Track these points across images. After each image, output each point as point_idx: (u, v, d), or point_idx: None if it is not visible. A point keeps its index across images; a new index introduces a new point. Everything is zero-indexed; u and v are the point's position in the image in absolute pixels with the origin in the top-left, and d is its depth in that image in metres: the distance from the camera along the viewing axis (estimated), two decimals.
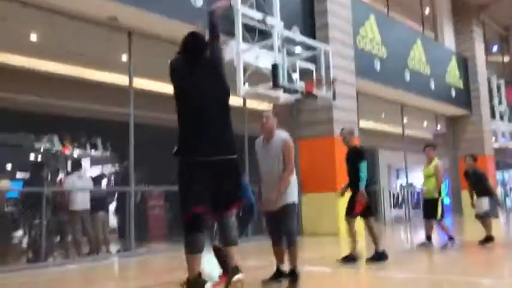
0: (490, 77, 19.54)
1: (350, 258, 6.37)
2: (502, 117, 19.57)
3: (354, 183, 6.61)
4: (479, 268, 6.17)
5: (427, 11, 18.15)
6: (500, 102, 19.64)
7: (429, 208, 7.86)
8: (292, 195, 4.74)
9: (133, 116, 8.40)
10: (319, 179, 11.09)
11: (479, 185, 8.34)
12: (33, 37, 8.72)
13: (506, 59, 24.31)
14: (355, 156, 6.60)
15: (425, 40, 16.34)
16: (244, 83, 9.12)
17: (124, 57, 9.14)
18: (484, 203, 8.21)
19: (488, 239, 7.97)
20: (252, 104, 11.65)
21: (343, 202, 10.77)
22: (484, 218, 8.13)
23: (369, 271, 6.20)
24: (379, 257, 6.40)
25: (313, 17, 11.48)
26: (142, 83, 9.57)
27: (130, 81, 8.50)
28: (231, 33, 9.08)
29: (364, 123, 14.51)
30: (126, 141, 8.35)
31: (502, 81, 20.05)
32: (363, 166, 6.41)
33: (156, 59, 10.16)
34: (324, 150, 11.13)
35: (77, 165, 8.86)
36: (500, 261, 6.88)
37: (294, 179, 4.81)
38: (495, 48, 23.63)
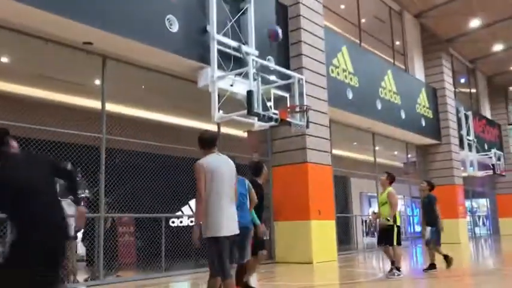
0: (458, 108, 20.15)
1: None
2: (470, 147, 20.11)
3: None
4: None
5: (397, 43, 18.73)
6: (468, 133, 20.21)
7: (383, 235, 7.82)
8: (206, 228, 4.25)
9: (105, 141, 8.28)
10: (292, 206, 11.08)
11: (428, 212, 8.52)
12: (4, 59, 8.59)
13: (473, 91, 25.17)
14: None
15: (396, 71, 16.79)
16: (218, 110, 9.17)
17: (97, 82, 9.08)
18: (428, 231, 8.42)
19: (432, 266, 8.29)
20: (227, 130, 11.70)
21: (317, 231, 10.85)
22: (428, 246, 8.45)
23: None
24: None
25: (287, 46, 11.68)
26: (115, 108, 9.50)
27: (103, 105, 8.41)
28: (206, 60, 9.17)
29: (337, 151, 14.70)
30: (97, 166, 8.20)
31: (469, 113, 20.68)
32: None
33: (129, 84, 10.19)
34: (297, 178, 11.17)
35: None
36: None
37: (212, 208, 4.26)
38: (463, 80, 24.45)
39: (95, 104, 8.99)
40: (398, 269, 7.75)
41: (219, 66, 9.24)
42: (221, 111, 9.30)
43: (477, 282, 7.63)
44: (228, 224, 4.26)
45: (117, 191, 9.26)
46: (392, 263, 7.78)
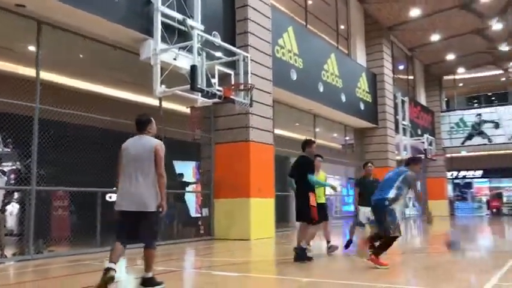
0: (395, 93, 20.94)
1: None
2: (404, 132, 21.03)
3: None
4: (378, 274, 6.53)
5: (342, 27, 19.07)
6: (403, 118, 21.10)
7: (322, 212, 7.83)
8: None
9: (39, 111, 7.87)
10: (233, 184, 11.15)
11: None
12: None
13: (411, 78, 26.22)
14: None
15: (339, 55, 17.14)
16: (161, 84, 8.98)
17: (32, 48, 8.58)
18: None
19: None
20: (168, 105, 11.49)
21: (256, 208, 11.01)
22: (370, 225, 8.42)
23: (276, 274, 6.32)
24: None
25: (234, 23, 11.57)
26: (50, 77, 9.04)
27: (37, 74, 7.96)
28: (149, 32, 8.90)
29: (279, 131, 14.87)
30: (30, 138, 7.80)
31: (406, 98, 21.57)
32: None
33: (66, 53, 9.70)
34: (239, 156, 11.22)
35: None
36: (395, 268, 7.34)
37: (117, 186, 4.90)
38: (401, 67, 25.39)
39: (29, 71, 8.51)
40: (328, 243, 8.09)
41: (163, 39, 9.02)
42: (163, 86, 9.11)
43: (404, 260, 8.06)
44: (121, 202, 4.72)
45: (51, 164, 8.88)
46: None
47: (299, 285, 5.35)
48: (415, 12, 19.52)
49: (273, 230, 11.76)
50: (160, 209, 4.69)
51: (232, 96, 9.38)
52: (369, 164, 8.96)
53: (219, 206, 11.37)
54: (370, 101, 19.25)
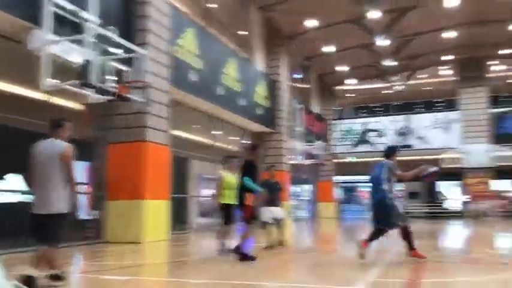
0: (292, 100, 21.79)
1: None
2: (299, 138, 21.94)
3: None
4: (265, 273, 6.71)
5: (243, 32, 19.40)
6: (299, 125, 22.02)
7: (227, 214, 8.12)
8: None
9: None
10: (127, 185, 10.77)
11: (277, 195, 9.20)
12: None
13: (307, 86, 27.45)
14: None
15: (239, 59, 17.39)
16: (50, 77, 8.41)
17: None
18: (278, 211, 9.17)
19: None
20: (59, 100, 10.81)
21: (150, 210, 10.74)
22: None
23: (166, 277, 6.22)
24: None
25: (132, 19, 11.22)
26: None
27: None
28: (38, 21, 8.31)
29: (178, 133, 14.70)
30: None
31: (301, 106, 22.53)
32: None
33: None
34: (134, 156, 10.88)
35: None
36: (286, 266, 7.62)
37: None
38: (298, 76, 26.48)
39: None
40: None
41: (54, 30, 8.45)
42: (54, 80, 8.53)
43: (292, 259, 8.40)
44: (33, 205, 4.84)
45: None
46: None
47: (188, 287, 5.32)
48: (311, 23, 20.47)
49: (167, 232, 11.56)
50: (72, 210, 4.84)
51: (127, 95, 9.07)
52: (274, 167, 9.88)
53: (112, 208, 10.91)
54: (268, 106, 19.80)
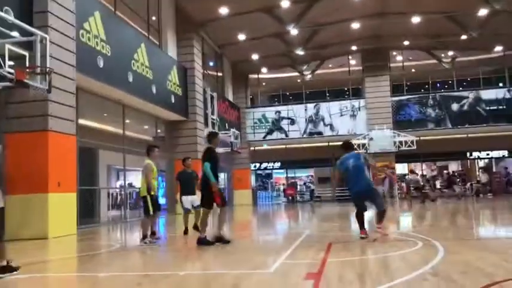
0: (205, 88, 21.65)
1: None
2: (213, 126, 21.91)
3: None
4: (178, 262, 6.67)
5: (153, 18, 18.87)
6: (212, 113, 21.97)
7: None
8: None
9: None
10: (28, 178, 10.10)
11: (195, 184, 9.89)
12: None
13: (220, 74, 27.42)
14: None
15: (149, 46, 16.92)
16: None
17: None
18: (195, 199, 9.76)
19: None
20: None
21: (55, 204, 10.17)
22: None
23: (73, 272, 5.95)
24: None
25: (31, 1, 10.44)
26: None
27: None
28: None
29: (85, 122, 14.01)
30: None
31: (215, 94, 22.48)
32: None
33: None
34: (35, 147, 10.21)
35: None
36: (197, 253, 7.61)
37: None
38: (211, 64, 26.34)
39: None
40: (145, 237, 8.32)
41: None
42: None
43: (208, 247, 8.40)
44: None
45: None
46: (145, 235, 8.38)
47: (95, 281, 5.12)
48: (224, 11, 20.41)
49: (75, 226, 11.04)
50: None
51: (26, 80, 8.45)
52: (189, 159, 10.34)
53: (11, 203, 10.13)
54: (181, 94, 19.52)
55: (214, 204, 7.69)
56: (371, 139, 26.82)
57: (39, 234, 9.82)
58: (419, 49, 28.75)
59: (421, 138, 27.38)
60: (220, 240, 7.63)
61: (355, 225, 8.34)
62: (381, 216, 7.76)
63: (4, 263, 5.27)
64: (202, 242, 7.53)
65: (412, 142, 26.31)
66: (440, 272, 4.67)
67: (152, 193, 8.32)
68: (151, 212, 8.29)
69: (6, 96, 10.38)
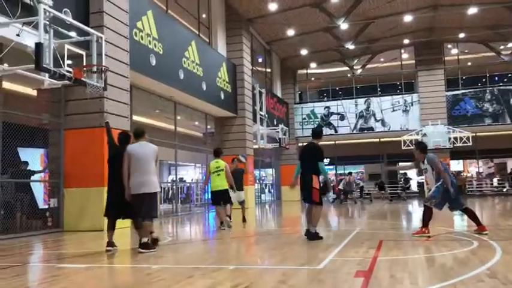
0: (254, 84, 21.76)
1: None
2: (262, 122, 22.01)
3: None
4: (228, 256, 6.76)
5: (204, 15, 19.15)
6: (261, 109, 22.06)
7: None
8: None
9: None
10: (86, 172, 10.55)
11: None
12: None
13: (268, 70, 27.46)
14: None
15: (200, 43, 17.19)
16: (2, 61, 8.09)
17: None
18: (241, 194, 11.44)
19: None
20: (12, 86, 10.43)
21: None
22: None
23: (127, 264, 6.17)
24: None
25: (87, 1, 10.87)
26: None
27: None
28: None
29: (138, 118, 14.46)
30: None
31: (263, 90, 22.55)
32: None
33: None
34: (93, 143, 10.65)
35: None
36: (248, 248, 7.70)
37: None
38: (260, 60, 26.43)
39: None
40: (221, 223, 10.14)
41: (3, 12, 8.10)
42: (5, 64, 8.22)
43: (256, 241, 8.48)
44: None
45: None
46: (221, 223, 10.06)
47: (148, 272, 5.29)
48: (272, 7, 20.40)
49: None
50: None
51: (83, 79, 8.81)
52: (238, 160, 11.82)
53: (70, 196, 10.69)
54: (230, 90, 19.72)
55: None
56: (424, 135, 26.00)
57: (95, 226, 10.24)
58: (476, 41, 27.53)
59: (478, 134, 26.27)
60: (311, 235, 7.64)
61: (408, 223, 8.14)
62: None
63: (147, 238, 6.63)
64: (313, 236, 7.50)
65: (467, 138, 25.31)
66: (498, 274, 4.49)
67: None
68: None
69: (65, 94, 10.88)
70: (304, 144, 8.52)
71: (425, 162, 8.03)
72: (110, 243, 6.93)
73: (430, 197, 7.89)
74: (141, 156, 6.70)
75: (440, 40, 27.32)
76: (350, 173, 24.85)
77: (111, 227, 7.03)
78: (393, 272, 4.71)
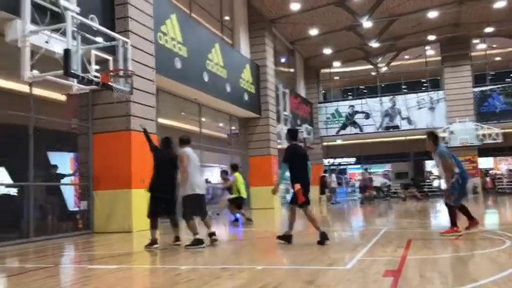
0: (277, 85, 21.76)
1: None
2: (285, 122, 21.99)
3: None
4: (256, 256, 6.78)
5: (226, 17, 19.26)
6: (285, 109, 22.05)
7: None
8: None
9: None
10: (113, 175, 10.75)
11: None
12: None
13: (292, 70, 27.42)
14: None
15: (223, 45, 17.30)
16: (32, 68, 8.31)
17: None
18: None
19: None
20: (41, 92, 10.69)
21: (138, 199, 10.73)
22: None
23: (156, 265, 6.27)
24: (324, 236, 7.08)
25: (113, 7, 11.08)
26: None
27: None
28: (16, 11, 8.17)
29: (164, 121, 14.63)
30: None
31: (287, 90, 22.53)
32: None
33: None
34: (120, 146, 10.84)
35: None
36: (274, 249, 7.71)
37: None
38: (283, 60, 26.41)
39: None
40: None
41: (33, 20, 8.33)
42: (35, 70, 8.44)
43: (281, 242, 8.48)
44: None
45: None
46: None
47: (177, 273, 5.36)
48: (295, 6, 20.37)
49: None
50: None
51: (110, 83, 8.98)
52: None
53: (99, 199, 10.89)
54: (254, 91, 19.77)
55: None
56: (451, 132, 25.54)
57: (124, 228, 10.42)
58: (504, 36, 26.87)
59: (507, 130, 25.64)
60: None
61: (436, 221, 8.02)
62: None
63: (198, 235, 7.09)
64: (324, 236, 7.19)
65: (496, 135, 24.74)
66: None
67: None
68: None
69: (93, 98, 11.11)
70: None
71: (435, 154, 7.72)
72: (154, 241, 7.33)
73: (449, 195, 7.71)
74: (196, 160, 7.37)
75: (467, 35, 26.78)
76: (366, 169, 24.57)
77: (155, 226, 7.43)
78: (423, 271, 4.66)
